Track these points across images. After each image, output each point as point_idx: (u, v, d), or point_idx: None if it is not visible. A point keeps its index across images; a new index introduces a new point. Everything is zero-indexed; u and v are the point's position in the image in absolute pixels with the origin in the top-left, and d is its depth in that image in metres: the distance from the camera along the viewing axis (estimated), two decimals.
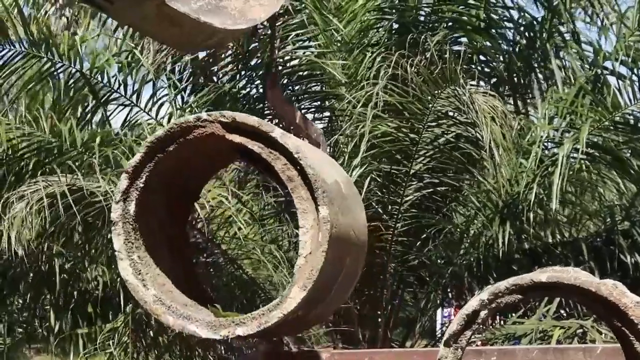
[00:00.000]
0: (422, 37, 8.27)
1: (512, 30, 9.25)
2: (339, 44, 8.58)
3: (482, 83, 9.06)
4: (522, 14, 9.05)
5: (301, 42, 9.10)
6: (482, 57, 9.27)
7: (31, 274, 8.37)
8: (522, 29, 9.15)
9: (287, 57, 9.02)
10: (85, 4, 3.51)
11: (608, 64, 8.45)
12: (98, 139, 8.23)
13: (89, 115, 9.41)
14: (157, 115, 9.11)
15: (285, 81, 9.11)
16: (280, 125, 3.79)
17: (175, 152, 3.18)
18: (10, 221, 7.38)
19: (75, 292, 9.08)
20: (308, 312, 3.20)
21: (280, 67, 8.89)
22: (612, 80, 8.41)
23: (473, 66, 8.89)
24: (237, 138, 3.09)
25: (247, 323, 3.03)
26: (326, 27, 8.56)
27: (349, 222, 3.24)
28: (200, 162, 3.33)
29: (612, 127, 8.22)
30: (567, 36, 9.02)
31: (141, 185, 3.19)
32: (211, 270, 8.88)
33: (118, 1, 3.38)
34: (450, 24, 9.04)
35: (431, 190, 8.74)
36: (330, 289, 3.24)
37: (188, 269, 3.46)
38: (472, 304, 3.14)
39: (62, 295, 9.03)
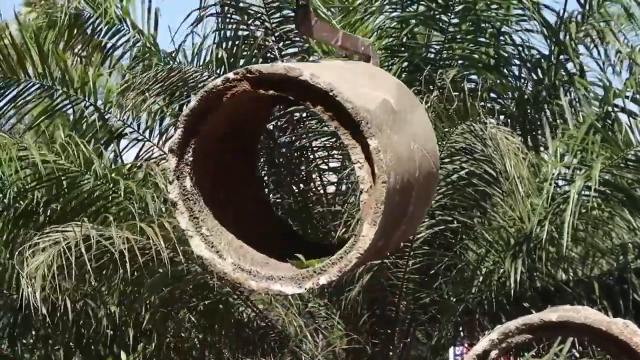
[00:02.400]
0: (436, 74, 8.30)
1: (521, 68, 9.26)
2: None
3: (492, 120, 9.06)
4: (530, 50, 9.06)
5: None
6: (492, 95, 9.28)
7: (42, 313, 8.35)
8: (530, 65, 9.16)
9: None
10: None
11: (619, 101, 8.45)
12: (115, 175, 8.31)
13: (101, 149, 9.45)
14: None
15: (296, 119, 9.17)
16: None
17: (212, 120, 3.12)
18: (28, 277, 7.40)
19: (85, 331, 9.06)
20: (387, 242, 3.11)
21: (290, 109, 8.87)
22: (623, 117, 8.41)
23: (483, 103, 8.89)
24: (268, 91, 3.03)
25: (328, 270, 2.96)
26: None
27: (406, 138, 3.11)
28: (230, 128, 3.25)
29: (623, 165, 8.19)
30: (576, 72, 9.01)
31: (190, 159, 3.14)
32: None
33: None
34: (460, 61, 9.06)
35: (443, 227, 8.72)
36: (404, 211, 3.13)
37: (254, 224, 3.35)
38: (483, 344, 3.12)
39: (73, 334, 9.02)
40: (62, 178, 8.58)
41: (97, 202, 8.70)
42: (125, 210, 8.56)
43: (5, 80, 8.95)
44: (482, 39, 9.13)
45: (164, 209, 8.29)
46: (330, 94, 2.93)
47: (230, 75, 3.04)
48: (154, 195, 8.35)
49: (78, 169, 8.46)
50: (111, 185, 8.51)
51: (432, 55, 9.12)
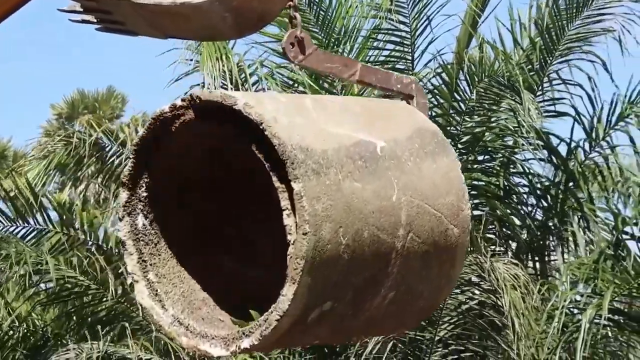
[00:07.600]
0: None
1: (530, 195, 9.34)
2: None
3: (502, 248, 9.10)
4: (538, 178, 9.17)
5: None
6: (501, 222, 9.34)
7: None
8: (539, 193, 9.24)
9: None
10: (109, 31, 3.36)
11: (628, 228, 8.47)
12: None
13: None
14: None
15: None
16: None
17: (165, 151, 2.82)
18: None
19: None
20: (342, 308, 2.69)
21: None
22: (632, 245, 8.42)
23: (492, 231, 8.95)
24: (206, 124, 2.71)
25: (252, 333, 2.64)
26: None
27: (381, 187, 2.69)
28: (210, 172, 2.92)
29: (636, 294, 8.15)
30: (585, 199, 9.07)
31: (144, 194, 2.85)
32: None
33: (127, 19, 3.04)
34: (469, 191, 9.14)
35: (456, 356, 8.68)
36: (374, 274, 2.69)
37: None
38: None
39: None
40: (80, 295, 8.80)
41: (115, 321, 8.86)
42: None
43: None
44: (491, 168, 9.24)
45: None
46: (260, 127, 2.61)
47: (178, 101, 2.77)
48: None
49: (98, 286, 8.62)
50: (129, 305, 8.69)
51: None
